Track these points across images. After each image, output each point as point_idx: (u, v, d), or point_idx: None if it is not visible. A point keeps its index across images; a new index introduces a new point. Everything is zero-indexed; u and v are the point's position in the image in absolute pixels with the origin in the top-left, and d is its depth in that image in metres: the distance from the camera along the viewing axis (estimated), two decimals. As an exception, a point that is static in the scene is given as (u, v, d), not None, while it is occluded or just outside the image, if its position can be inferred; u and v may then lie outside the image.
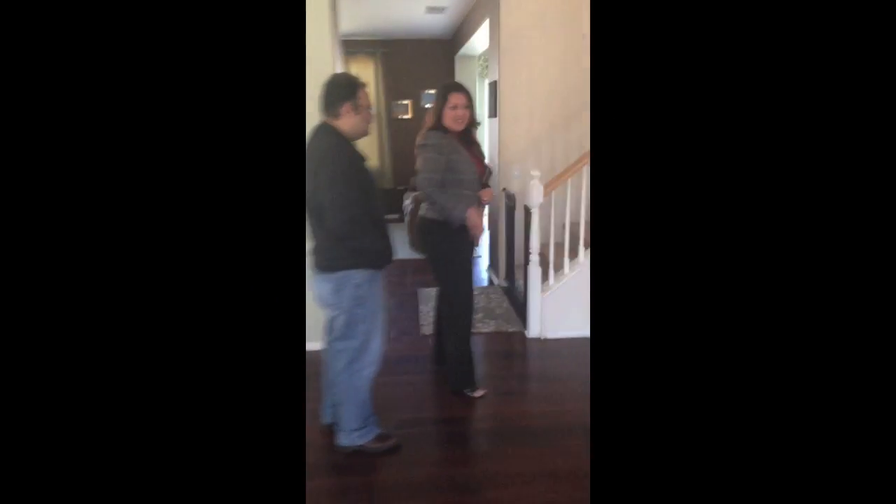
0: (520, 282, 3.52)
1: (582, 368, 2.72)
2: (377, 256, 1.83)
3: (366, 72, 6.59)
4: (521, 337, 3.13)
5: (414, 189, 2.35)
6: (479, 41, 5.42)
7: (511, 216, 3.54)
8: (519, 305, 3.43)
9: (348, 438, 1.99)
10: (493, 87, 3.95)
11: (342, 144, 1.76)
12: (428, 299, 3.76)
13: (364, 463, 1.97)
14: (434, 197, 2.16)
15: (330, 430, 2.12)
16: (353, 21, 5.53)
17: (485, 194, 2.28)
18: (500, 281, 4.08)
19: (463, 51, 6.16)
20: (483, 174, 2.30)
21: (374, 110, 1.90)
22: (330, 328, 2.02)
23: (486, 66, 6.43)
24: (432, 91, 6.76)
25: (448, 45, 6.66)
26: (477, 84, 6.15)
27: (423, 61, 6.73)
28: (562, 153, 3.81)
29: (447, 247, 2.26)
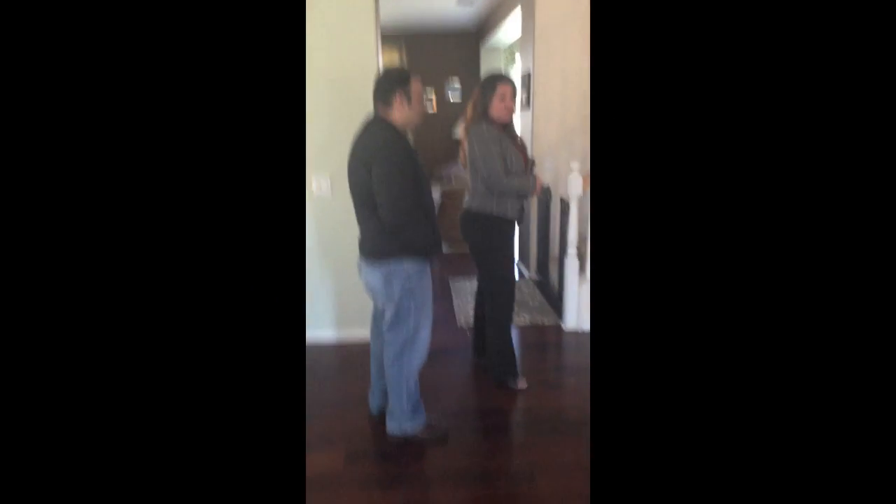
0: (554, 275, 3.52)
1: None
2: (428, 247, 1.85)
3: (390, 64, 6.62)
4: (558, 329, 3.13)
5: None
6: (506, 33, 5.40)
7: (545, 209, 3.53)
8: (553, 298, 3.44)
9: (399, 427, 2.03)
10: (527, 79, 3.93)
11: (397, 137, 1.78)
12: (461, 292, 3.78)
13: (412, 451, 2.00)
14: (502, 188, 2.17)
15: (378, 419, 2.16)
16: (384, 14, 5.54)
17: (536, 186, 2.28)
18: (531, 274, 4.08)
19: (489, 43, 6.14)
20: (528, 165, 2.30)
21: (427, 99, 1.90)
22: (380, 317, 2.06)
23: (513, 58, 6.45)
24: (458, 85, 6.76)
25: (473, 37, 6.64)
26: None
27: (448, 53, 6.72)
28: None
29: (495, 239, 2.27)
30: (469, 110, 2.27)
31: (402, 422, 2.02)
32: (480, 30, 6.32)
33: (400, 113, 1.81)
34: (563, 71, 3.70)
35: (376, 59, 2.64)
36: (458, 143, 5.94)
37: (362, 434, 2.12)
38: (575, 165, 2.86)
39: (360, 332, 2.89)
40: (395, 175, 1.71)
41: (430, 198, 1.89)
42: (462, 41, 6.66)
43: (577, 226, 2.96)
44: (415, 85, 1.82)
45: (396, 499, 1.76)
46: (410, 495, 1.78)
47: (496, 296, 2.34)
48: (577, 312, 3.08)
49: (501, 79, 2.21)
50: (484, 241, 2.28)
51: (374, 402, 2.20)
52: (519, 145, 2.30)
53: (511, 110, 2.20)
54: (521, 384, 2.43)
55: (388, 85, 1.81)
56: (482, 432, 2.14)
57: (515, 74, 5.04)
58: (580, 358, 2.81)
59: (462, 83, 6.77)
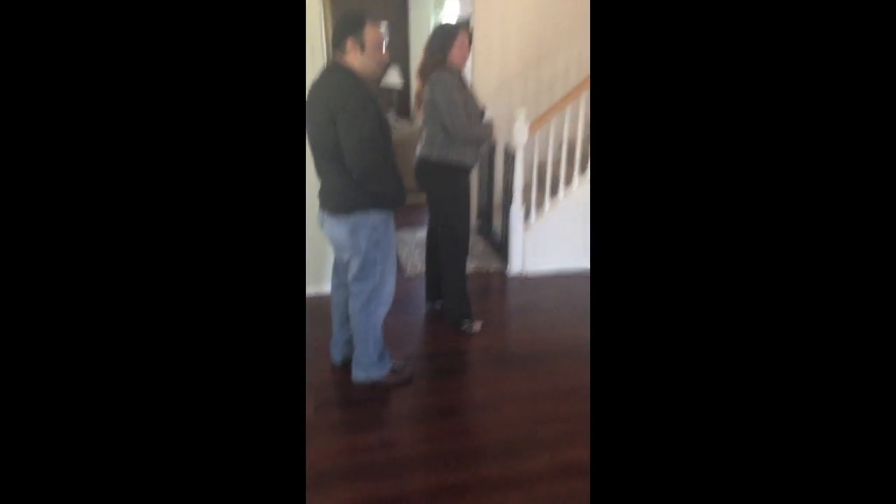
0: (496, 223, 3.62)
1: (567, 297, 2.91)
2: (393, 198, 1.86)
3: (311, 9, 6.20)
4: (502, 275, 3.26)
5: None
6: (437, -25, 5.23)
7: (489, 157, 3.59)
8: (497, 245, 3.55)
9: (365, 373, 2.08)
10: (465, 24, 3.87)
11: (358, 85, 1.72)
12: (404, 243, 3.80)
13: (379, 396, 2.07)
14: (465, 136, 2.18)
15: (342, 369, 2.20)
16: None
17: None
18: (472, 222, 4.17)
19: (418, -15, 5.93)
20: (481, 113, 2.33)
21: (384, 47, 1.84)
22: (343, 269, 2.06)
23: (442, 3, 6.30)
24: (385, 30, 6.49)
25: (401, -22, 6.36)
26: (432, 20, 5.98)
27: (375, -5, 6.41)
28: (533, 93, 3.85)
29: (455, 187, 2.31)
30: (423, 57, 2.23)
31: (368, 369, 2.07)
32: (409, -30, 6.07)
33: (354, 60, 1.75)
34: (503, 16, 3.68)
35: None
36: (389, 90, 5.79)
37: (327, 384, 2.15)
38: (520, 113, 2.92)
39: (316, 286, 2.86)
40: (364, 126, 1.67)
41: (392, 147, 1.88)
42: (389, -18, 6.36)
43: (522, 174, 3.04)
44: (370, 31, 1.75)
45: (370, 440, 1.83)
46: (382, 436, 1.85)
47: (454, 243, 2.39)
48: (521, 258, 3.21)
49: (460, 26, 2.19)
50: (445, 190, 2.31)
51: (336, 353, 2.22)
52: (471, 93, 2.31)
53: (468, 56, 2.19)
54: (477, 327, 2.55)
55: (341, 30, 1.73)
56: (443, 373, 2.24)
57: (448, 19, 4.93)
58: (526, 299, 2.97)
59: (390, 28, 6.53)
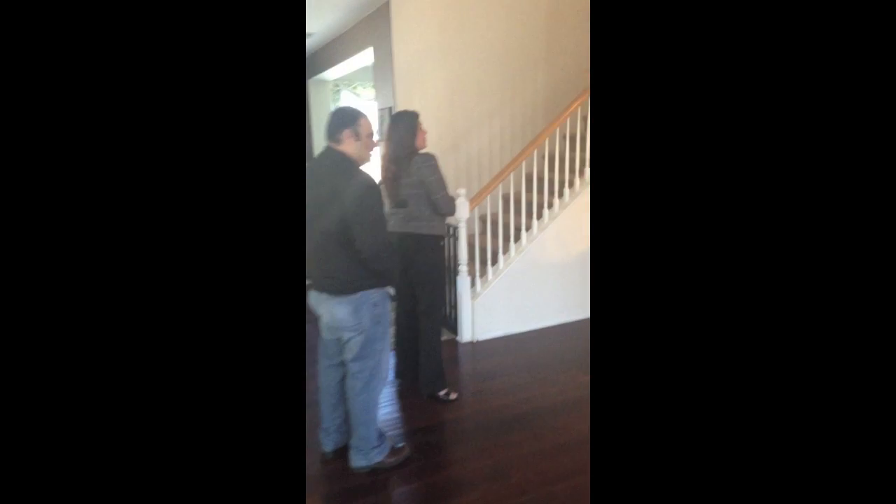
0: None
1: (522, 360, 3.05)
2: (392, 275, 1.91)
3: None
4: (453, 343, 3.34)
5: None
6: (339, 69, 5.53)
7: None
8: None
9: (366, 459, 1.99)
10: (387, 112, 4.13)
11: (358, 169, 1.81)
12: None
13: (382, 481, 1.98)
14: (451, 211, 2.39)
15: (333, 457, 2.07)
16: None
17: None
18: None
19: (317, 76, 6.19)
20: None
21: (377, 138, 1.98)
22: (335, 350, 2.00)
23: (339, 92, 6.69)
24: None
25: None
26: (331, 107, 6.29)
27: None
28: (452, 174, 4.15)
29: (437, 259, 2.44)
30: (391, 144, 2.38)
31: (369, 454, 1.99)
32: (310, 64, 6.32)
33: (349, 147, 1.85)
34: (424, 104, 4.00)
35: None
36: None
37: (319, 478, 2.01)
38: (462, 191, 3.14)
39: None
40: (376, 209, 1.76)
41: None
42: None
43: (466, 246, 3.23)
44: (364, 122, 1.88)
45: (391, 528, 1.74)
46: (403, 521, 1.77)
47: (432, 312, 2.47)
48: (471, 326, 3.33)
49: (414, 113, 2.42)
50: (428, 262, 2.42)
51: (328, 442, 2.10)
52: None
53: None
54: (453, 395, 2.57)
55: (338, 123, 1.84)
56: (438, 447, 2.22)
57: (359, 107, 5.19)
58: (484, 365, 3.06)
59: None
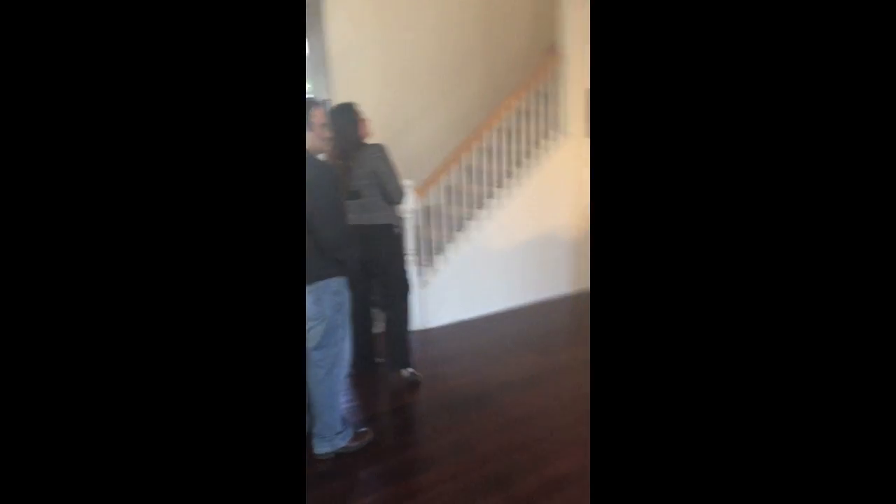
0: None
1: (472, 345, 3.15)
2: (353, 263, 1.93)
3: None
4: (403, 333, 3.38)
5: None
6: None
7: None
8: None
9: (331, 444, 1.99)
10: (323, 104, 4.08)
11: (315, 160, 1.81)
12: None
13: (346, 464, 2.00)
14: (402, 199, 2.42)
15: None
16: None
17: None
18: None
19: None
20: None
21: (328, 131, 1.99)
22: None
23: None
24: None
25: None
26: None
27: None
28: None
29: (397, 246, 2.49)
30: (334, 137, 2.37)
31: (333, 439, 2.00)
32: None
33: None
34: (361, 97, 3.99)
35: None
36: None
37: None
38: (409, 182, 3.19)
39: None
40: (333, 197, 1.77)
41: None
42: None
43: (413, 237, 3.28)
44: (316, 112, 1.88)
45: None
46: (375, 500, 1.80)
47: (400, 297, 2.55)
48: (419, 313, 3.38)
49: (351, 104, 2.46)
50: (388, 250, 2.45)
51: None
52: None
53: None
54: (420, 374, 2.68)
55: None
56: (403, 428, 2.26)
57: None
58: (436, 351, 3.12)
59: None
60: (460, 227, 3.59)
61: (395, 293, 2.57)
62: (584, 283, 4.10)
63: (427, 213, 3.54)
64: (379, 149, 2.40)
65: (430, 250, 3.50)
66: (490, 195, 3.62)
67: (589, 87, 3.75)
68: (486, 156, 3.66)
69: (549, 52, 3.85)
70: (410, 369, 2.65)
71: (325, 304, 1.86)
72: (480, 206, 3.60)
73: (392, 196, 2.41)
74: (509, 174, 3.68)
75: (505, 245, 3.66)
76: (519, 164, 3.71)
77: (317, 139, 1.87)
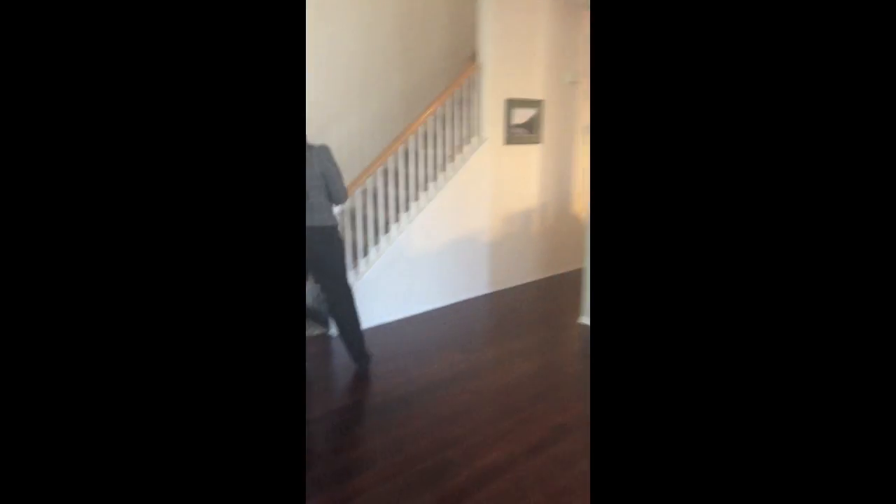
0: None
1: (402, 346, 3.21)
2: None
3: None
4: (325, 338, 3.36)
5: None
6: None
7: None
8: (311, 312, 3.62)
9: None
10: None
11: None
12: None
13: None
14: (344, 200, 2.49)
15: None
16: None
17: None
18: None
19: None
20: None
21: None
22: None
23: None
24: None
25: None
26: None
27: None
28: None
29: (339, 247, 2.57)
30: None
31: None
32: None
33: None
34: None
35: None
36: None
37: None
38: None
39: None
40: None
41: None
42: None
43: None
44: None
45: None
46: (346, 490, 1.83)
47: (346, 296, 2.65)
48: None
49: None
50: (330, 251, 2.53)
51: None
52: None
53: None
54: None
55: None
56: (334, 431, 2.29)
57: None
58: (379, 350, 3.13)
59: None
60: (385, 230, 3.63)
61: (342, 293, 2.66)
62: (501, 283, 4.31)
63: (352, 216, 3.54)
64: (325, 150, 2.47)
65: (354, 253, 3.51)
66: (415, 198, 3.69)
67: (506, 97, 3.95)
68: (411, 159, 3.73)
69: (471, 60, 4.00)
70: (369, 359, 2.83)
71: None
72: (404, 209, 3.67)
73: (337, 196, 2.49)
74: (434, 177, 3.78)
75: (428, 247, 3.75)
76: (441, 168, 3.81)
77: None
